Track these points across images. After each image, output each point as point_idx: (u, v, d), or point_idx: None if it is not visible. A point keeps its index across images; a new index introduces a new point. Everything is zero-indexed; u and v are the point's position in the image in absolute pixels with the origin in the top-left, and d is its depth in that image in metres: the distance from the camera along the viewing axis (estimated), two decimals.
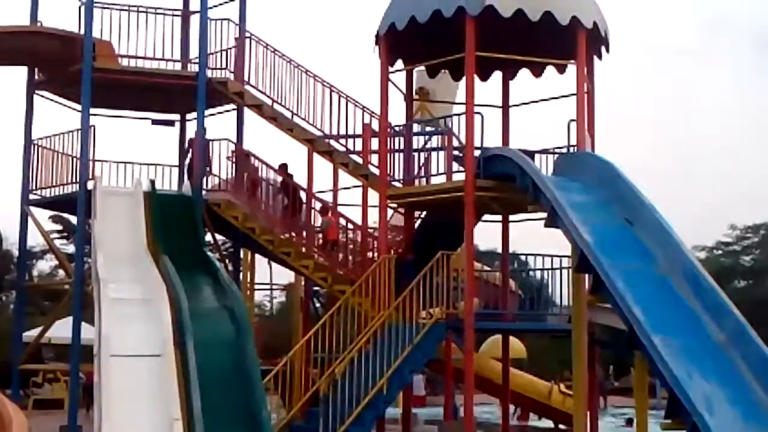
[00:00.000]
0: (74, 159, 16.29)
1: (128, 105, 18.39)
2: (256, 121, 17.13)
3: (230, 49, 17.08)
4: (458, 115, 15.20)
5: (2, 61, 16.93)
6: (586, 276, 12.45)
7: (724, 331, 10.31)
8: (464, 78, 14.92)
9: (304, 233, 16.36)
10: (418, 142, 16.61)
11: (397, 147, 16.05)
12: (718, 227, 60.50)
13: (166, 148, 19.65)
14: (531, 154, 14.77)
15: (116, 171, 17.11)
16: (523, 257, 18.01)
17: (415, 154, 16.09)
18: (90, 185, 15.62)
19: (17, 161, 17.40)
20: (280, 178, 16.61)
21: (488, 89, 17.07)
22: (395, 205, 16.68)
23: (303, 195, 16.47)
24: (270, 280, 24.54)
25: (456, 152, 15.13)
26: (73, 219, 18.83)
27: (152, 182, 15.55)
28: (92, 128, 16.20)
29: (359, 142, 16.60)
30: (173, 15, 17.23)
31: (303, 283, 19.39)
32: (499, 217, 16.61)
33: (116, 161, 17.22)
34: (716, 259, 47.60)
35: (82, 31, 16.27)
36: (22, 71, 17.65)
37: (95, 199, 14.67)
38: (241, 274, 20.35)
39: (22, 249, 18.52)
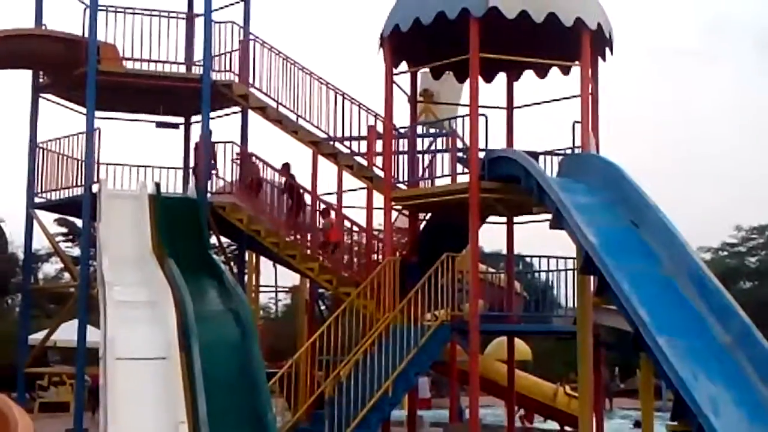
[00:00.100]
0: (79, 162, 16.32)
1: (133, 108, 18.42)
2: (260, 123, 17.18)
3: (235, 51, 17.11)
4: (462, 116, 15.19)
5: (7, 64, 16.97)
6: (592, 277, 12.44)
7: (729, 333, 10.29)
8: (468, 79, 14.91)
9: (308, 235, 16.36)
10: (422, 143, 16.63)
11: (401, 149, 16.06)
12: (724, 228, 60.37)
13: (170, 150, 19.69)
14: (535, 155, 14.76)
15: (121, 174, 17.16)
16: (528, 259, 17.93)
17: (420, 155, 16.09)
18: (95, 188, 15.65)
19: (22, 164, 17.44)
20: (283, 179, 16.61)
21: (492, 91, 17.07)
22: (400, 207, 16.66)
23: (305, 195, 16.48)
24: (275, 282, 24.53)
25: (460, 154, 15.12)
26: (79, 222, 18.81)
27: (157, 185, 15.57)
28: (97, 131, 16.22)
29: (364, 144, 16.60)
30: (177, 18, 17.25)
31: (308, 285, 19.40)
32: (503, 219, 16.60)
33: (121, 164, 17.26)
34: (722, 261, 47.52)
35: (87, 34, 16.31)
36: (26, 74, 17.70)
37: (100, 202, 14.70)
38: (246, 276, 20.36)
39: (27, 252, 18.56)
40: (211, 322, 12.15)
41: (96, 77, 16.04)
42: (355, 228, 16.53)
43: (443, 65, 16.16)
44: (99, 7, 16.27)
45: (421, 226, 16.78)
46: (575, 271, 13.72)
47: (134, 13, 16.58)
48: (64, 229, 40.85)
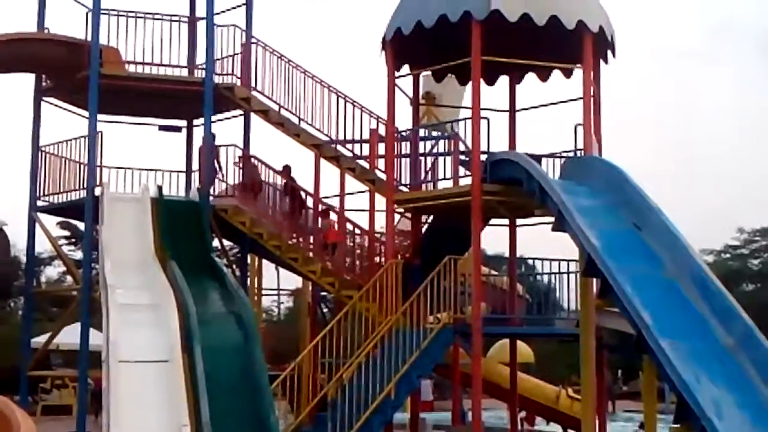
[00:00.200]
0: (81, 165, 16.34)
1: (135, 111, 18.43)
2: (263, 126, 17.19)
3: (237, 54, 17.12)
4: (465, 119, 15.19)
5: (10, 67, 16.99)
6: (594, 280, 12.44)
7: (732, 335, 10.29)
8: (470, 82, 14.92)
9: (309, 237, 16.36)
10: (424, 146, 16.61)
11: (403, 152, 16.06)
12: (726, 231, 60.40)
13: (173, 154, 19.71)
14: (538, 158, 14.75)
15: (123, 177, 17.18)
16: (530, 261, 17.93)
17: (422, 158, 16.09)
18: (97, 191, 15.65)
19: (25, 168, 17.46)
20: (284, 181, 16.62)
21: (495, 93, 17.07)
22: (402, 210, 16.67)
23: (305, 196, 16.48)
24: (277, 285, 24.55)
25: (463, 157, 15.12)
26: (81, 225, 18.87)
27: (159, 188, 15.57)
28: (99, 134, 16.23)
29: (366, 147, 16.60)
30: (180, 21, 17.26)
31: (310, 288, 19.41)
32: (506, 222, 16.60)
33: (123, 167, 17.27)
34: (724, 263, 47.52)
35: (89, 38, 16.31)
36: (29, 78, 17.72)
37: (103, 205, 14.71)
38: (248, 279, 20.37)
39: (30, 255, 18.56)
40: (213, 325, 12.15)
41: (98, 81, 16.05)
42: (357, 231, 16.53)
43: (445, 68, 16.17)
44: (101, 11, 16.27)
45: (424, 229, 16.78)
46: (578, 274, 13.72)
47: (136, 17, 16.59)
48: (66, 233, 40.91)
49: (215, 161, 16.68)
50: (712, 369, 9.90)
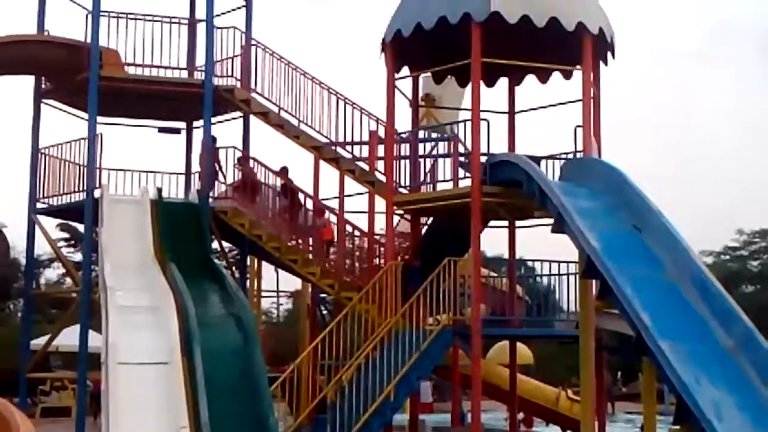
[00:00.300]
0: (81, 167, 16.33)
1: (135, 113, 18.43)
2: (262, 128, 17.19)
3: (237, 56, 17.12)
4: (464, 121, 15.20)
5: (9, 69, 16.99)
6: (594, 282, 12.43)
7: (732, 337, 10.28)
8: (470, 84, 14.92)
9: (304, 237, 16.35)
10: (424, 148, 16.62)
11: (403, 153, 16.07)
12: (726, 232, 60.34)
13: (172, 156, 19.71)
14: (537, 159, 14.75)
15: (123, 179, 17.20)
16: (530, 263, 17.96)
17: (422, 160, 16.09)
18: (97, 193, 15.65)
19: (25, 170, 17.45)
20: (281, 182, 16.61)
21: (494, 95, 17.08)
22: (402, 212, 16.67)
23: (302, 198, 16.48)
24: (277, 287, 24.56)
25: (462, 158, 15.12)
26: (81, 227, 18.83)
27: (159, 190, 15.58)
28: (99, 136, 16.23)
29: (365, 148, 16.61)
30: (180, 23, 17.26)
31: (310, 290, 19.40)
32: (505, 223, 16.60)
33: (123, 169, 17.29)
34: (724, 264, 47.50)
35: (89, 40, 16.31)
36: (29, 80, 17.72)
37: (102, 207, 14.71)
38: (247, 281, 20.36)
39: (29, 257, 18.54)
40: (213, 326, 12.15)
41: (98, 83, 16.05)
42: (357, 233, 16.53)
43: (445, 70, 16.17)
44: (101, 13, 16.27)
45: (423, 231, 16.78)
46: (577, 275, 13.72)
47: (136, 19, 16.59)
48: (66, 235, 40.86)
49: (216, 163, 16.69)
50: (712, 371, 9.89)
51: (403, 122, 16.60)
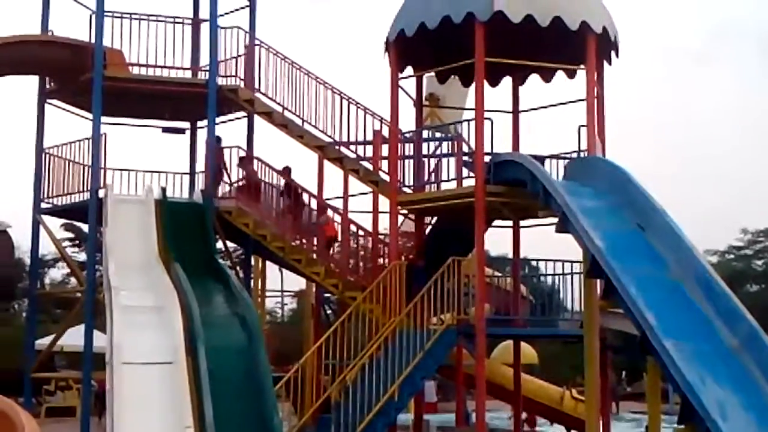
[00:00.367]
0: (85, 167, 16.33)
1: (139, 113, 18.44)
2: (266, 128, 17.19)
3: (240, 56, 17.12)
4: (468, 120, 15.19)
5: (14, 70, 17.00)
6: (598, 281, 12.43)
7: (736, 336, 10.28)
8: (474, 83, 14.92)
9: (308, 236, 16.35)
10: (428, 148, 16.62)
11: (407, 153, 16.06)
12: (730, 231, 60.25)
13: (176, 155, 19.71)
14: (541, 159, 14.75)
15: (127, 179, 17.18)
16: (534, 262, 17.92)
17: (426, 160, 16.09)
18: (101, 193, 15.66)
19: (29, 170, 17.46)
20: (283, 182, 16.63)
21: (498, 95, 17.08)
22: (406, 212, 16.66)
23: (308, 199, 16.49)
24: (281, 286, 24.55)
25: (466, 158, 15.12)
26: (85, 227, 18.86)
27: (163, 190, 15.58)
28: (103, 136, 16.23)
29: (369, 148, 16.60)
30: (183, 23, 17.26)
31: (314, 289, 19.39)
32: (509, 223, 16.59)
33: (127, 169, 17.28)
34: (728, 264, 47.46)
35: (93, 40, 16.33)
36: (33, 80, 17.73)
37: (106, 207, 14.72)
38: (252, 281, 20.36)
39: (34, 257, 18.56)
40: (217, 326, 12.14)
41: (102, 83, 16.06)
42: (361, 232, 16.53)
43: (449, 69, 16.17)
44: (105, 13, 16.27)
45: (427, 231, 16.78)
46: (581, 275, 13.71)
47: (140, 19, 16.60)
48: (70, 235, 40.95)
49: (222, 163, 16.70)
50: (717, 370, 9.89)
51: (407, 122, 16.62)
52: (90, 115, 16.42)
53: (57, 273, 44.54)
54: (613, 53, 15.40)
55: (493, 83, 16.59)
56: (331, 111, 16.41)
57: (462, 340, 15.33)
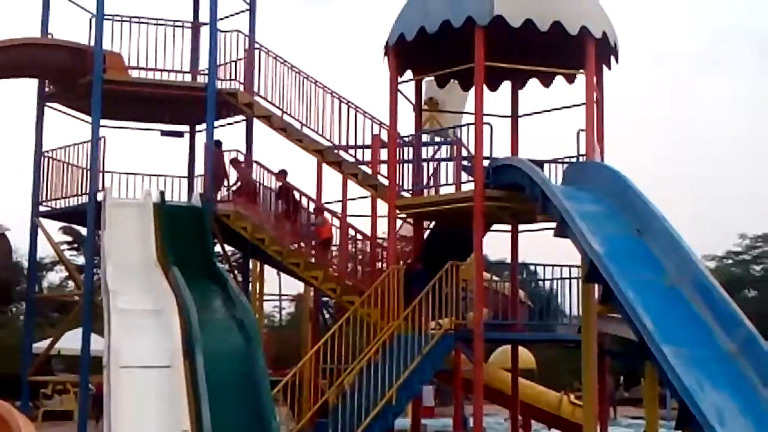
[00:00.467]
0: (84, 170, 16.34)
1: (138, 116, 18.46)
2: (265, 131, 17.20)
3: (240, 60, 17.14)
4: (467, 125, 15.20)
5: (13, 73, 17.00)
6: (596, 286, 12.42)
7: (734, 341, 10.26)
8: (473, 88, 14.92)
9: (305, 240, 16.35)
10: (427, 152, 16.62)
11: (406, 157, 16.07)
12: (728, 237, 60.24)
13: (175, 159, 19.73)
14: (540, 163, 14.74)
15: (126, 182, 17.18)
16: (532, 267, 17.96)
17: (424, 164, 16.09)
18: (100, 196, 15.67)
19: (28, 173, 17.47)
20: (279, 184, 16.62)
21: (497, 99, 17.08)
22: (404, 216, 16.66)
23: (306, 202, 16.49)
24: (279, 290, 24.56)
25: (465, 162, 15.12)
26: (83, 230, 18.85)
27: (162, 193, 15.60)
28: (102, 140, 16.26)
29: (368, 152, 16.61)
30: (183, 27, 17.29)
31: (312, 293, 19.39)
32: (508, 227, 16.58)
33: (126, 172, 17.28)
34: (726, 269, 47.43)
35: (93, 43, 16.35)
36: (32, 83, 17.75)
37: (105, 210, 14.72)
38: (250, 284, 20.36)
39: (32, 260, 18.56)
40: (215, 330, 12.14)
41: (101, 86, 16.08)
42: (359, 236, 16.53)
43: (448, 74, 16.17)
44: (105, 16, 16.30)
45: (426, 235, 16.77)
46: (579, 280, 13.71)
47: (140, 22, 16.63)
48: (68, 238, 40.88)
49: (223, 167, 16.71)
50: (715, 375, 9.88)
51: (406, 126, 16.62)
52: (89, 118, 16.45)
53: (55, 276, 44.52)
54: (612, 58, 15.40)
55: (493, 88, 16.59)
56: (330, 115, 16.46)
57: (460, 345, 15.32)
